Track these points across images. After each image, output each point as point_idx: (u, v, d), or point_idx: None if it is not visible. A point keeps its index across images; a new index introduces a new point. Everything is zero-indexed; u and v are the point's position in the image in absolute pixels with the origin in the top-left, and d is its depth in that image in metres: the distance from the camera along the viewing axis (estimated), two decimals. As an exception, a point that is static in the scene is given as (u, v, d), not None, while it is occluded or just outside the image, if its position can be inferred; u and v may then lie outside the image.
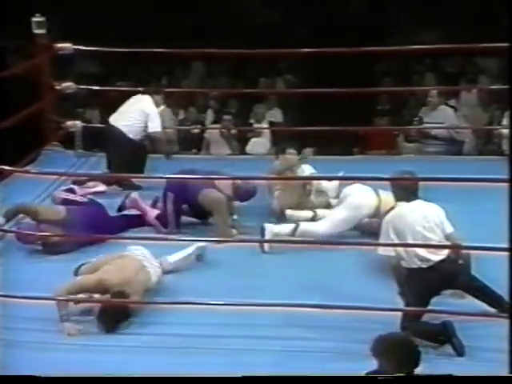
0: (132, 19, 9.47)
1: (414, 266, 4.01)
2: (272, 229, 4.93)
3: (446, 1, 9.27)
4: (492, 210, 4.32)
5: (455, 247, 4.07)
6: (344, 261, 4.66)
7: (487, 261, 4.06)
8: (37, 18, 6.34)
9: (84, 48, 6.43)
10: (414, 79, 8.55)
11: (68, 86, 6.58)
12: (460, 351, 3.86)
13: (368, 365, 3.19)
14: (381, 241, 4.15)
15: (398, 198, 4.18)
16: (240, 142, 7.71)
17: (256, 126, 7.87)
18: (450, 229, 4.11)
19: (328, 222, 4.95)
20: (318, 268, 4.69)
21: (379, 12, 9.89)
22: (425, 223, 4.04)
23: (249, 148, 7.71)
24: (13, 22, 7.25)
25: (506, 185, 3.51)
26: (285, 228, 4.97)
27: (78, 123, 6.70)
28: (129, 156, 5.80)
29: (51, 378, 3.03)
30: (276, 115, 8.19)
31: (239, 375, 3.07)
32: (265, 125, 7.90)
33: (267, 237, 4.86)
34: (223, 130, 7.60)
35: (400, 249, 4.04)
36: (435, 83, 8.18)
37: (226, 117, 7.74)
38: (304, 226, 4.93)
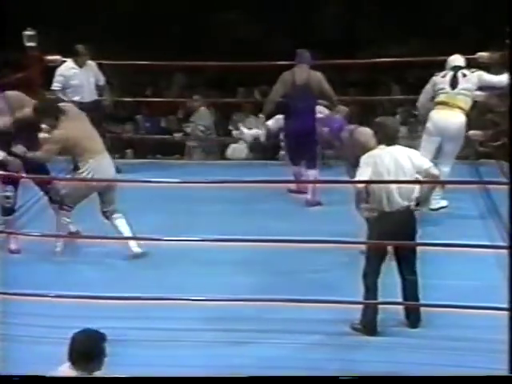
0: (118, 32, 9.44)
1: (383, 208, 4.04)
2: None
3: (410, 17, 9.37)
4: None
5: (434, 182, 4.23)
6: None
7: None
8: (28, 32, 6.36)
9: (71, 60, 6.38)
10: (381, 89, 8.62)
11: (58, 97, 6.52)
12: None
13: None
14: (357, 174, 4.14)
15: (379, 142, 4.23)
16: (220, 148, 7.73)
17: (235, 132, 7.89)
18: (427, 164, 4.17)
19: None
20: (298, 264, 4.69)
21: (349, 27, 9.98)
22: (398, 169, 4.08)
23: (228, 154, 7.73)
24: (5, 35, 7.19)
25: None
26: None
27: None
28: None
29: (52, 378, 2.99)
30: (253, 123, 8.20)
31: (238, 375, 3.06)
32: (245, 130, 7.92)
33: None
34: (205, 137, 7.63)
35: (376, 189, 4.05)
36: (399, 93, 8.27)
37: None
38: None
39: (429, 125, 5.48)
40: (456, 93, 5.47)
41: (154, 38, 9.36)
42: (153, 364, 3.72)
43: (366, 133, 4.88)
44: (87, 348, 2.94)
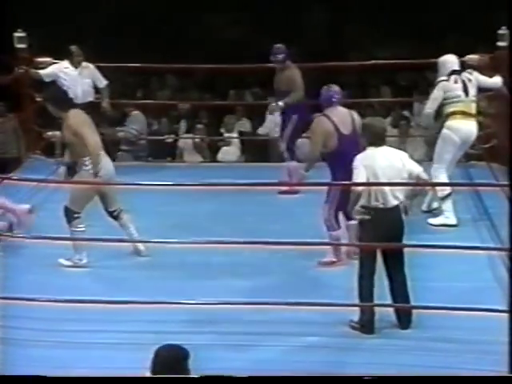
0: (110, 34, 9.40)
1: (374, 205, 4.03)
2: None
3: (400, 21, 9.38)
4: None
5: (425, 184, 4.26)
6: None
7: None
8: (18, 34, 6.34)
9: (63, 62, 6.33)
10: (371, 92, 8.61)
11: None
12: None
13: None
14: (354, 176, 4.10)
15: (368, 143, 4.19)
16: (211, 150, 7.70)
17: (226, 135, 7.86)
18: (418, 169, 4.14)
19: None
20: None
21: (340, 31, 9.98)
22: (389, 170, 4.07)
23: (220, 156, 7.70)
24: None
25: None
26: None
27: (58, 133, 6.58)
28: None
29: (52, 378, 2.95)
30: (245, 125, 8.19)
31: (237, 375, 3.02)
32: (234, 134, 7.88)
33: None
34: (196, 140, 7.58)
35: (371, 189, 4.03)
36: (390, 95, 8.26)
37: (198, 126, 7.72)
38: None
39: (453, 136, 5.27)
40: (470, 100, 5.35)
41: (144, 40, 9.33)
42: (145, 367, 3.68)
43: (324, 121, 4.76)
44: (171, 365, 2.94)
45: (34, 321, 4.08)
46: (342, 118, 4.73)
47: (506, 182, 5.52)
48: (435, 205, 5.42)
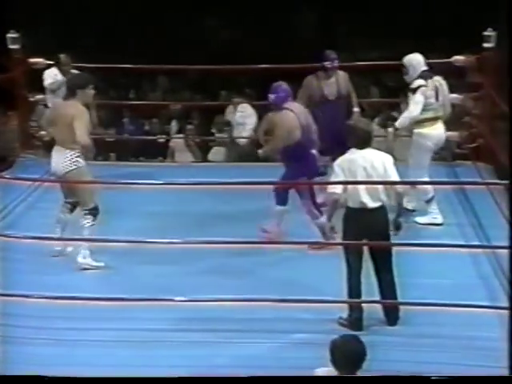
0: (102, 35, 9.36)
1: (352, 206, 4.03)
2: None
3: (388, 22, 9.40)
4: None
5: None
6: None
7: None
8: (11, 34, 6.29)
9: (55, 63, 6.29)
10: (360, 92, 8.60)
11: (41, 98, 6.44)
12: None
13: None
14: (332, 180, 4.10)
15: (351, 145, 4.15)
16: (202, 150, 7.67)
17: (217, 135, 7.84)
18: (395, 177, 4.11)
19: None
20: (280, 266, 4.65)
21: (328, 32, 9.99)
22: (371, 171, 4.05)
23: (210, 156, 7.67)
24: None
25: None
26: None
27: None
28: None
29: (52, 378, 2.92)
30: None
31: (236, 375, 3.01)
32: (226, 134, 7.87)
33: None
34: (187, 140, 7.56)
35: (348, 190, 4.03)
36: (378, 96, 8.25)
37: (189, 127, 7.72)
38: None
39: (427, 142, 5.26)
40: (439, 105, 5.32)
41: (136, 41, 9.30)
42: (134, 365, 3.67)
43: (289, 114, 4.81)
44: (357, 355, 2.99)
45: (27, 318, 4.05)
46: (300, 110, 4.92)
47: (491, 181, 5.57)
48: (414, 205, 5.39)
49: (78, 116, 4.77)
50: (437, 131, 5.35)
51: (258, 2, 9.57)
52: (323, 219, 4.66)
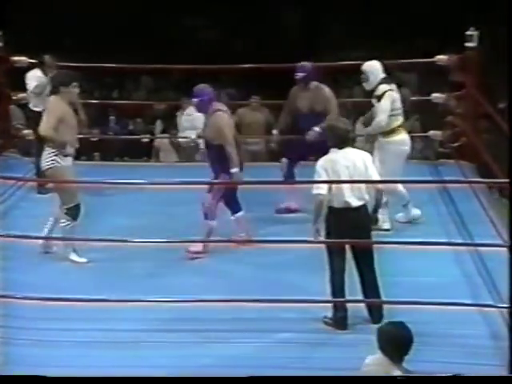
0: (86, 34, 9.30)
1: (337, 206, 4.02)
2: None
3: (371, 23, 9.43)
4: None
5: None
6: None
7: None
8: (-6, 33, 6.24)
9: (38, 62, 6.23)
10: (343, 92, 8.61)
11: (24, 96, 6.37)
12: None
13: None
14: (314, 183, 4.07)
15: (331, 145, 4.13)
16: (187, 150, 7.62)
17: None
18: (375, 176, 4.11)
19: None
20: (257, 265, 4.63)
21: (313, 32, 10.01)
22: (353, 171, 4.05)
23: (196, 156, 7.66)
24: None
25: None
26: None
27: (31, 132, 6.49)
28: None
29: (52, 378, 2.88)
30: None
31: (235, 375, 2.99)
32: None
33: None
34: (172, 139, 7.54)
35: (333, 190, 4.02)
36: (362, 96, 8.24)
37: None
38: None
39: (405, 148, 5.20)
40: (403, 111, 5.25)
41: (119, 40, 9.25)
42: (120, 365, 3.63)
43: (225, 115, 4.84)
44: (403, 341, 3.00)
45: (10, 319, 4.00)
46: (227, 111, 4.99)
47: (474, 179, 5.58)
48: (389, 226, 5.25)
49: (47, 109, 4.73)
50: (407, 136, 5.27)
51: (242, 1, 9.57)
52: (214, 224, 4.74)
